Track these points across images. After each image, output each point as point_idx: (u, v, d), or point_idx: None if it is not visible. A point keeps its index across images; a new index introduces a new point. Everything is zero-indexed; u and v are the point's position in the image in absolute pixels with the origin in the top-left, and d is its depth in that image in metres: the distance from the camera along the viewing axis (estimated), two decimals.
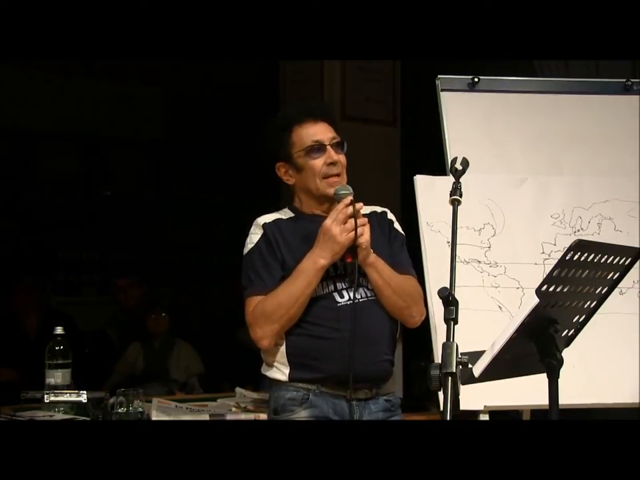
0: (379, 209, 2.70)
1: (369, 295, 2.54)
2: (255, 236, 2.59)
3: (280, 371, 2.54)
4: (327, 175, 2.55)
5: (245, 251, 2.60)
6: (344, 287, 2.53)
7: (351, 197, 2.48)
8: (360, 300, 2.51)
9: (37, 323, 5.02)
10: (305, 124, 2.58)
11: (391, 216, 2.69)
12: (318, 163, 2.56)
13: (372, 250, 2.52)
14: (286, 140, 2.59)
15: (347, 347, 2.45)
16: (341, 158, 2.58)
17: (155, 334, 5.21)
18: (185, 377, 5.13)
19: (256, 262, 2.55)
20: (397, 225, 2.68)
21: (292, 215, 2.64)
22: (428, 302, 2.85)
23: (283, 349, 2.53)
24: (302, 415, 2.49)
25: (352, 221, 2.45)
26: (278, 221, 2.60)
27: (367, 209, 2.63)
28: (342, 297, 2.52)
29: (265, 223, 2.59)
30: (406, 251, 2.66)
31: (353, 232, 2.44)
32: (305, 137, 2.57)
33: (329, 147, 2.56)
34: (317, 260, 2.47)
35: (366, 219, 2.50)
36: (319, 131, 2.58)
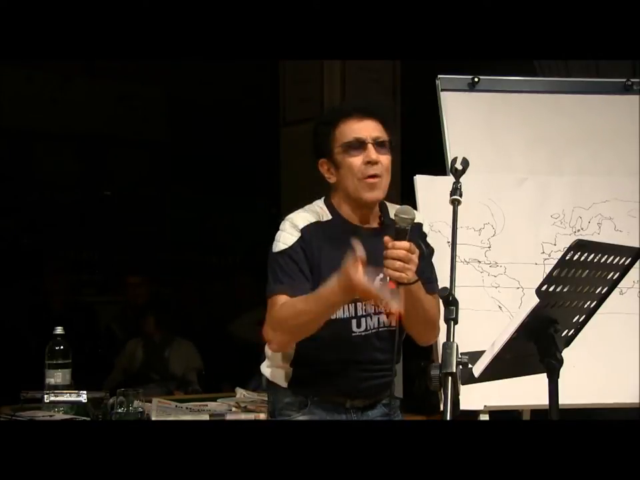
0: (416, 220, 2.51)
1: (381, 324, 2.44)
2: (290, 238, 2.40)
3: (281, 378, 2.51)
4: (365, 174, 2.38)
5: (276, 249, 2.41)
6: (363, 313, 2.42)
7: (405, 244, 2.22)
8: (372, 331, 2.44)
9: (63, 306, 5.24)
10: (350, 120, 2.41)
11: (426, 228, 2.55)
12: (356, 161, 2.39)
13: None
14: (328, 135, 2.43)
15: (351, 369, 2.43)
16: (384, 159, 2.41)
17: (151, 334, 5.24)
18: (183, 372, 5.15)
19: (289, 265, 2.38)
20: (428, 239, 2.54)
21: (330, 217, 2.46)
22: None
23: (289, 358, 2.48)
24: (299, 420, 2.48)
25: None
26: (315, 225, 2.43)
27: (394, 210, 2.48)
28: (359, 326, 2.41)
29: (304, 227, 2.41)
30: (431, 267, 2.51)
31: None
32: (346, 132, 2.40)
33: (369, 145, 2.39)
34: (340, 296, 2.28)
35: (415, 256, 2.25)
36: (363, 128, 2.41)
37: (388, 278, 2.24)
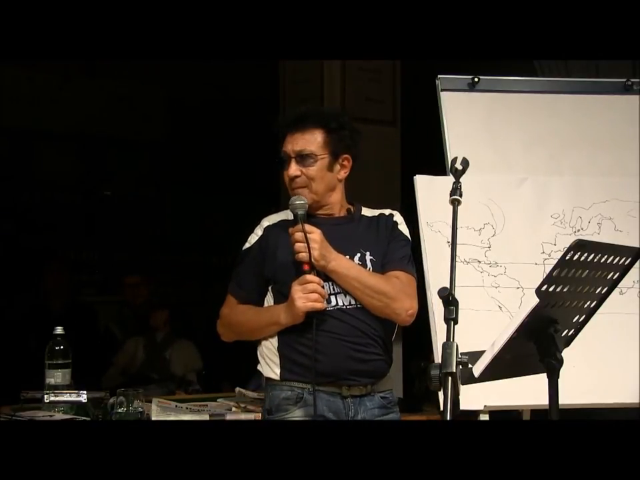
0: (387, 212, 2.73)
1: (359, 302, 2.56)
2: (254, 236, 2.67)
3: (271, 370, 2.59)
4: (291, 187, 2.62)
5: (243, 247, 2.69)
6: (332, 291, 2.57)
7: (297, 227, 2.50)
8: (348, 307, 2.55)
9: (64, 306, 5.24)
10: (289, 133, 2.63)
11: (397, 218, 2.71)
12: (285, 175, 2.62)
13: (367, 252, 2.59)
14: (280, 147, 2.65)
15: (334, 344, 2.51)
16: (307, 170, 2.59)
17: (157, 328, 5.24)
18: (183, 372, 5.15)
19: (245, 264, 2.66)
20: (402, 227, 2.70)
21: None
22: (428, 302, 2.86)
23: (274, 346, 2.58)
24: (296, 414, 2.51)
25: (314, 287, 2.48)
26: (282, 223, 2.65)
27: (376, 212, 2.70)
28: (329, 302, 2.55)
29: (268, 226, 2.66)
30: (404, 250, 2.66)
31: (316, 302, 2.48)
32: (283, 146, 2.63)
33: (292, 160, 2.60)
34: (281, 316, 2.54)
35: (314, 235, 2.51)
36: (290, 142, 2.62)
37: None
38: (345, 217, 2.69)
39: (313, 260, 2.48)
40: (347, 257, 2.57)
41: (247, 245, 2.67)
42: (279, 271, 2.59)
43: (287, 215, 2.66)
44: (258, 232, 2.66)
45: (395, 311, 2.58)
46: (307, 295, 2.47)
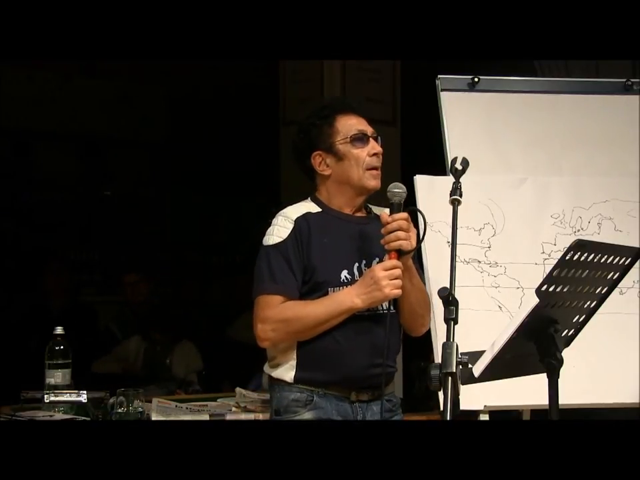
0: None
1: (384, 307, 2.50)
2: (284, 230, 2.50)
3: (286, 372, 2.52)
4: (371, 166, 2.54)
5: (270, 242, 2.51)
6: None
7: (403, 214, 2.43)
8: (378, 312, 2.50)
9: (63, 306, 5.24)
10: (348, 114, 2.58)
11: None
12: (362, 153, 2.54)
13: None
14: (328, 128, 2.56)
15: (356, 355, 2.46)
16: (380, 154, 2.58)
17: (156, 342, 5.23)
18: (184, 374, 5.14)
19: (281, 259, 2.47)
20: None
21: (319, 209, 2.57)
22: None
23: (293, 349, 2.51)
24: (305, 416, 2.47)
25: (399, 273, 2.41)
26: (308, 215, 2.53)
27: (380, 211, 2.61)
28: None
29: (298, 217, 2.52)
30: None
31: (399, 289, 2.41)
32: (348, 126, 2.56)
33: (371, 139, 2.56)
34: (355, 300, 2.43)
35: (412, 228, 2.46)
36: (361, 123, 2.58)
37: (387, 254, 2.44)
38: (365, 217, 2.61)
39: (406, 249, 2.42)
40: (377, 259, 2.51)
41: (277, 240, 2.48)
42: (318, 262, 2.47)
43: (307, 208, 2.56)
44: (287, 225, 2.50)
45: (424, 323, 2.61)
46: (393, 282, 2.40)
